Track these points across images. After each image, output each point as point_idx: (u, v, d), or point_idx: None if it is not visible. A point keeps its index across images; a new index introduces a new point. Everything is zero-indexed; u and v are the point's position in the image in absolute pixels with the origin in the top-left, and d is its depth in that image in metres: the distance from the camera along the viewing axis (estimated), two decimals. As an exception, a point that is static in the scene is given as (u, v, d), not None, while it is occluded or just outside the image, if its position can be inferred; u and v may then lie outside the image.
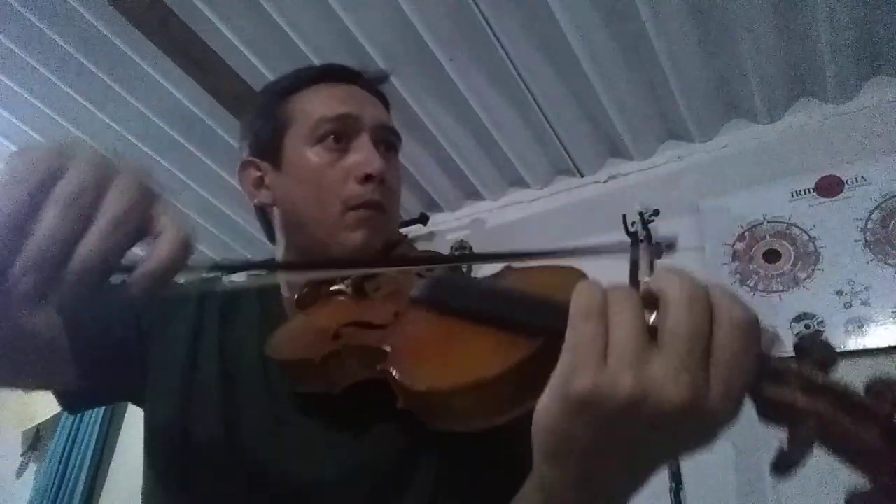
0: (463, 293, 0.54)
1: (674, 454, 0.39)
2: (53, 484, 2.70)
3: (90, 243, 0.33)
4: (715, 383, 0.33)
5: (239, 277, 0.70)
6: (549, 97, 1.89)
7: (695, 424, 0.34)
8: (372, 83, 0.80)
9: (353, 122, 0.73)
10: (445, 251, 2.23)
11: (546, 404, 0.36)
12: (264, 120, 0.77)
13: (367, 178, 0.70)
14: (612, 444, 0.36)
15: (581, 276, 0.51)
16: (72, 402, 0.70)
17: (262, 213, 0.80)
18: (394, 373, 0.48)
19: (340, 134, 0.72)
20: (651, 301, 0.36)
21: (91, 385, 0.65)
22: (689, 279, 0.35)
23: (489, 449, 0.63)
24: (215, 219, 2.66)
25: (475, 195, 2.38)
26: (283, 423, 0.63)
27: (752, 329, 0.34)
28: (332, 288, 0.68)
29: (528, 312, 0.45)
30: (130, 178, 0.36)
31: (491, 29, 1.68)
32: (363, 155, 0.71)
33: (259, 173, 0.76)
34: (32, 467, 3.00)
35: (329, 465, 0.60)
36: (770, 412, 0.34)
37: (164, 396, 0.66)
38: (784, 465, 0.33)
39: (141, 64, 1.91)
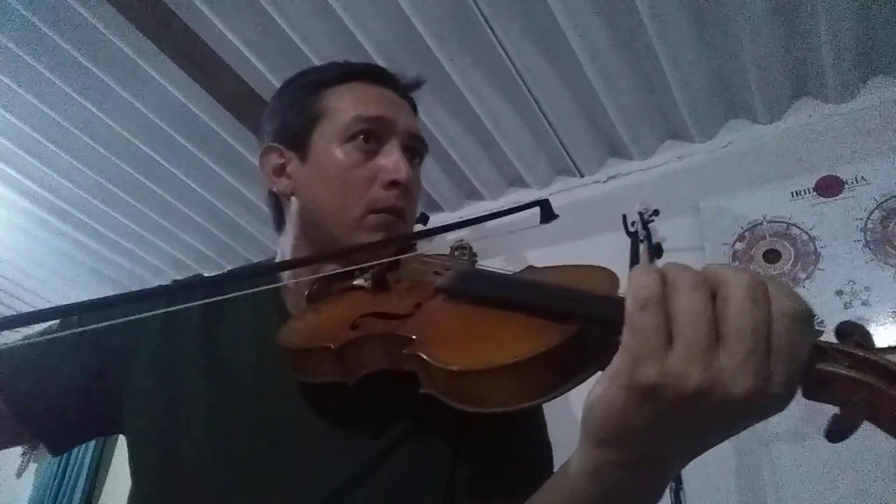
0: (493, 282, 0.56)
1: (728, 436, 0.40)
2: (53, 484, 2.70)
3: None
4: (776, 371, 0.35)
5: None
6: (549, 97, 1.89)
7: (755, 410, 0.36)
8: (406, 89, 0.80)
9: (387, 125, 0.73)
10: (445, 251, 2.22)
11: (609, 391, 0.37)
12: (296, 109, 0.76)
13: (393, 185, 0.70)
14: (673, 429, 0.37)
15: (612, 275, 0.53)
16: (51, 447, 0.69)
17: (276, 202, 0.79)
18: (424, 356, 0.48)
19: (372, 135, 0.72)
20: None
21: (56, 433, 0.66)
22: (748, 271, 0.36)
23: (502, 443, 0.64)
24: (215, 219, 2.66)
25: (475, 195, 2.38)
26: (281, 419, 0.63)
27: (808, 319, 0.36)
28: (349, 283, 0.68)
29: (562, 300, 0.47)
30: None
31: (491, 29, 1.68)
32: (392, 161, 0.71)
33: (282, 161, 0.76)
34: (32, 467, 3.01)
35: (335, 457, 0.60)
36: (820, 390, 0.37)
37: (145, 418, 0.65)
38: (836, 433, 0.36)
39: (141, 64, 1.90)
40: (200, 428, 0.63)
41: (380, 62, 1.75)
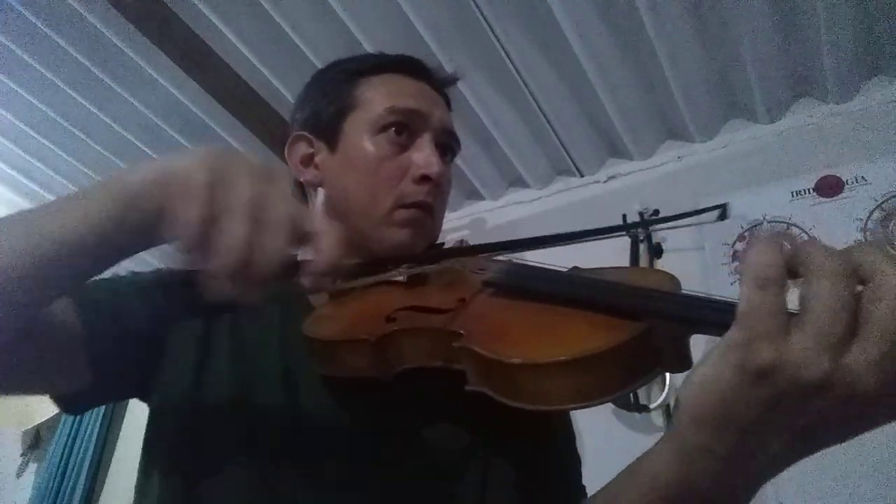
0: (551, 278, 0.53)
1: (843, 440, 0.37)
2: (53, 484, 2.70)
3: (268, 246, 0.40)
4: None
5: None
6: (549, 97, 1.89)
7: (879, 412, 0.34)
8: (442, 84, 0.78)
9: (421, 119, 0.71)
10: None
11: (717, 367, 0.35)
12: (328, 98, 0.74)
13: (424, 180, 0.68)
14: (781, 421, 0.35)
15: (674, 279, 0.51)
16: (73, 401, 0.64)
17: (301, 193, 0.77)
18: (478, 349, 0.46)
19: (404, 128, 0.70)
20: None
21: (99, 377, 0.60)
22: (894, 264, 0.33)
23: (537, 449, 0.62)
24: (215, 219, 2.66)
25: (475, 195, 2.38)
26: (305, 414, 0.60)
27: None
28: (383, 277, 0.65)
29: (631, 296, 0.45)
30: (283, 186, 0.43)
31: (491, 29, 1.68)
32: (425, 156, 0.69)
33: (310, 150, 0.74)
34: (32, 467, 3.00)
35: (363, 456, 0.58)
36: None
37: (178, 377, 0.63)
38: None
39: (141, 64, 1.90)
40: (222, 416, 0.61)
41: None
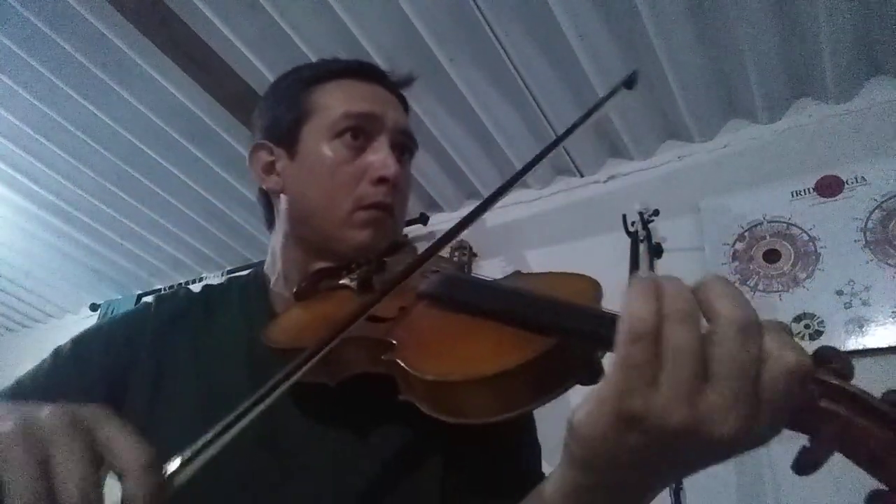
0: (474, 290, 0.54)
1: (710, 465, 0.39)
2: (53, 484, 2.71)
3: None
4: (763, 413, 0.33)
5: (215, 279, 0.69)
6: (548, 97, 1.89)
7: (738, 446, 0.35)
8: (396, 86, 0.80)
9: (375, 122, 0.73)
10: (445, 251, 2.22)
11: (593, 415, 0.36)
12: (285, 106, 0.76)
13: (382, 181, 0.70)
14: (655, 460, 0.37)
15: (596, 286, 0.51)
16: None
17: (266, 199, 0.79)
18: (401, 363, 0.47)
19: (360, 132, 0.72)
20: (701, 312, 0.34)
21: None
22: (745, 304, 0.34)
23: (492, 445, 0.63)
24: (215, 219, 2.66)
25: (475, 195, 2.38)
26: (269, 419, 0.60)
27: (803, 372, 0.33)
28: (336, 282, 0.67)
29: (543, 312, 0.45)
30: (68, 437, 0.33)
31: (491, 29, 1.68)
32: (381, 158, 0.70)
33: (271, 158, 0.76)
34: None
35: (323, 459, 0.59)
36: (793, 419, 0.35)
37: (140, 419, 0.62)
38: (805, 465, 0.35)
39: (141, 64, 1.90)
40: (186, 431, 0.62)
41: (380, 62, 1.74)
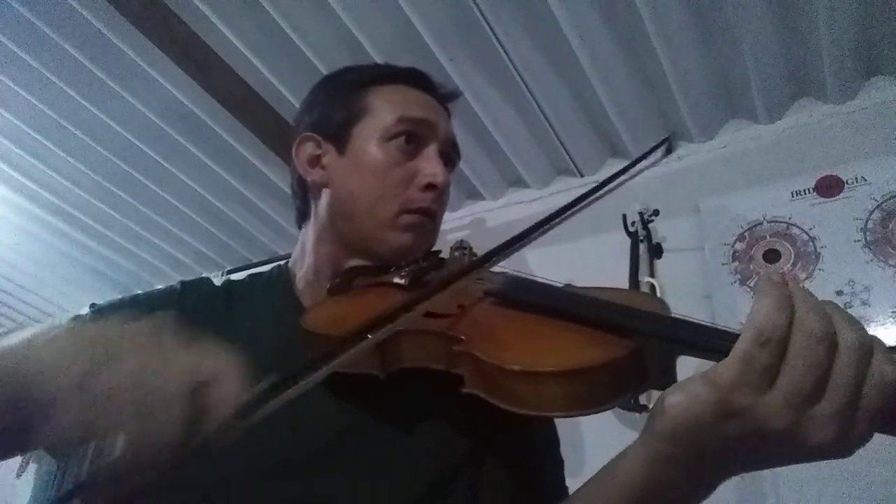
0: (547, 292, 0.56)
1: (788, 465, 0.41)
2: (53, 484, 2.70)
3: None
4: (859, 425, 0.36)
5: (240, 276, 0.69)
6: (549, 97, 1.89)
7: (827, 453, 0.37)
8: (445, 98, 0.82)
9: (429, 129, 0.74)
10: (445, 251, 2.22)
11: (697, 398, 0.38)
12: (338, 103, 0.77)
13: (430, 188, 0.72)
14: (742, 451, 0.39)
15: (661, 300, 0.55)
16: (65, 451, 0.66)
17: (304, 192, 0.80)
18: (479, 354, 0.48)
19: (413, 137, 0.73)
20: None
21: None
22: (862, 327, 0.37)
23: (525, 452, 0.64)
24: (215, 219, 2.66)
25: (475, 195, 2.38)
26: (302, 410, 0.60)
27: None
28: (384, 279, 0.68)
29: (622, 317, 0.47)
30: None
31: (491, 29, 1.68)
32: (432, 165, 0.72)
33: (318, 151, 0.77)
34: (32, 467, 3.00)
35: (360, 451, 0.59)
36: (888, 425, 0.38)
37: None
38: None
39: (141, 64, 1.90)
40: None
41: (379, 62, 1.75)
